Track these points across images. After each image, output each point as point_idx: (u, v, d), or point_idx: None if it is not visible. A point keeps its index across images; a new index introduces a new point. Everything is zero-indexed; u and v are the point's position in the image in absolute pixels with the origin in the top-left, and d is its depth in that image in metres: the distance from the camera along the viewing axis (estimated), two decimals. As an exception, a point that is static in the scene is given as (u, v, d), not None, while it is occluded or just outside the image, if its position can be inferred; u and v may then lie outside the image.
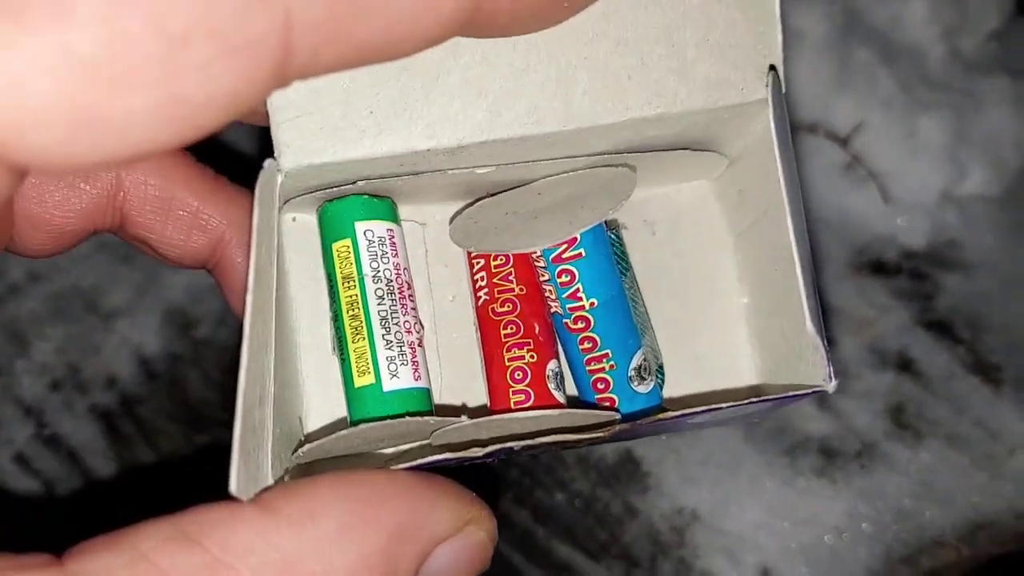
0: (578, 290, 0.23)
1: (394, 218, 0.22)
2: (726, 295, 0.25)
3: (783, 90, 0.21)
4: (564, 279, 0.23)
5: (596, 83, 0.20)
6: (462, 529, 0.15)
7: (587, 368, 0.23)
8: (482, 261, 0.23)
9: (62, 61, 0.10)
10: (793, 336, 0.22)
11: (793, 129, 0.49)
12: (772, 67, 0.21)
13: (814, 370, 0.21)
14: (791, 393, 0.22)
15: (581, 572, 0.41)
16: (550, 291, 0.23)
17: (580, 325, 0.23)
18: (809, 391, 0.21)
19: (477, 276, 0.23)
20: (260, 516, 0.13)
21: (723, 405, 0.21)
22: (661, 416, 0.22)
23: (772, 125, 0.21)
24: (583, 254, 0.23)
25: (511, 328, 0.22)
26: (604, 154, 0.21)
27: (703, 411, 0.21)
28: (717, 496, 0.42)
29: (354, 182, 0.21)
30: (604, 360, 0.23)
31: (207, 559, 0.12)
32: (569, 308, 0.23)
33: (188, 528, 0.13)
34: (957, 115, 0.50)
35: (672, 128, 0.21)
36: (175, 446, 0.46)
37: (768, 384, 0.24)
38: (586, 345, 0.23)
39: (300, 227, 0.22)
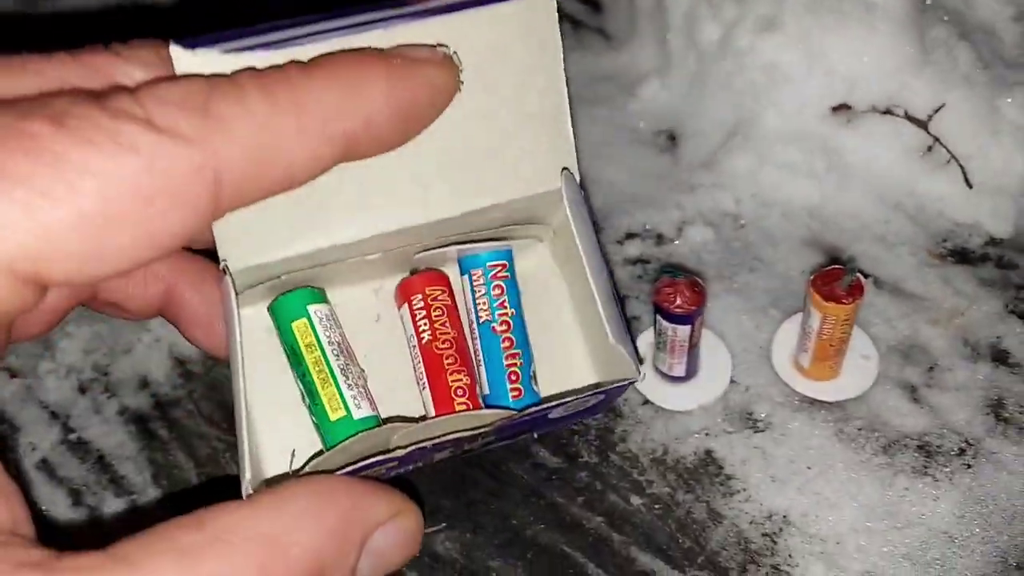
0: (505, 301, 0.31)
1: (327, 301, 0.30)
2: (566, 322, 0.34)
3: (577, 179, 0.30)
4: (496, 292, 0.31)
5: (446, 183, 0.27)
6: (394, 517, 0.19)
7: (506, 363, 0.31)
8: (424, 312, 0.31)
9: (77, 219, 0.15)
10: (610, 347, 0.30)
11: (870, 111, 0.46)
12: (565, 168, 0.29)
13: (628, 369, 0.30)
14: (616, 384, 0.30)
15: (665, 582, 0.37)
16: (483, 303, 0.31)
17: (504, 328, 0.31)
18: (626, 381, 0.30)
19: (420, 323, 0.31)
20: (246, 506, 0.17)
21: (571, 398, 0.30)
22: (541, 407, 0.30)
23: (567, 210, 0.29)
24: (508, 276, 0.32)
25: (451, 359, 0.31)
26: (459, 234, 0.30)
27: (559, 404, 0.29)
28: (809, 498, 0.38)
29: (279, 277, 0.28)
30: (518, 358, 0.31)
31: (209, 536, 0.16)
32: (498, 315, 0.31)
33: (199, 517, 0.17)
34: (1040, 95, 0.47)
35: (506, 211, 0.29)
36: (212, 450, 0.42)
37: (602, 381, 0.33)
38: (506, 344, 0.31)
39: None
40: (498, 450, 0.41)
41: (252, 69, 0.19)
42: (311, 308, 0.30)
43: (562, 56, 0.28)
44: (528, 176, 0.28)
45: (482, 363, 0.32)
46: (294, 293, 0.30)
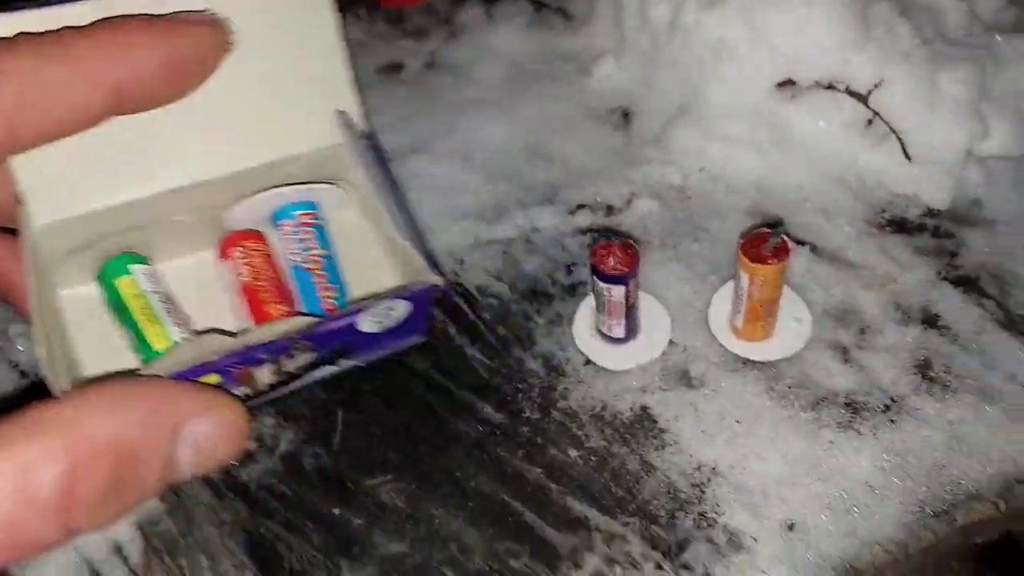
0: (315, 244, 0.33)
1: (151, 264, 0.32)
2: (376, 259, 0.34)
3: (362, 127, 0.31)
4: (305, 236, 0.33)
5: (240, 137, 0.29)
6: (210, 408, 0.20)
7: (320, 296, 0.32)
8: (244, 259, 0.32)
9: None
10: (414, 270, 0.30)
11: (813, 87, 0.48)
12: (342, 112, 0.31)
13: (427, 276, 0.29)
14: (417, 289, 0.30)
15: (597, 528, 0.38)
16: (295, 248, 0.33)
17: (315, 266, 0.32)
18: (426, 285, 0.29)
19: (242, 269, 0.32)
20: (57, 401, 0.18)
21: (373, 303, 0.29)
22: (347, 311, 0.29)
23: (348, 157, 0.31)
24: (318, 222, 0.33)
25: (269, 293, 0.32)
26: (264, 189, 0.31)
27: (361, 309, 0.29)
28: (737, 451, 0.40)
29: (95, 241, 0.30)
30: (332, 291, 0.32)
31: (20, 427, 0.17)
32: (310, 255, 0.32)
33: (13, 414, 0.18)
34: (981, 71, 0.48)
35: (304, 165, 0.31)
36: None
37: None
38: (319, 280, 0.32)
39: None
40: (444, 408, 0.43)
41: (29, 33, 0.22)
42: (134, 267, 0.31)
43: (334, 19, 0.30)
44: (317, 132, 0.31)
45: (300, 301, 0.33)
46: (118, 257, 0.31)
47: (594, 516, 0.39)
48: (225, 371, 0.29)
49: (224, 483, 0.41)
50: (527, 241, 0.49)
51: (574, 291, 0.46)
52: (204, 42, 0.25)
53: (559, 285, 0.47)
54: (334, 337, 0.31)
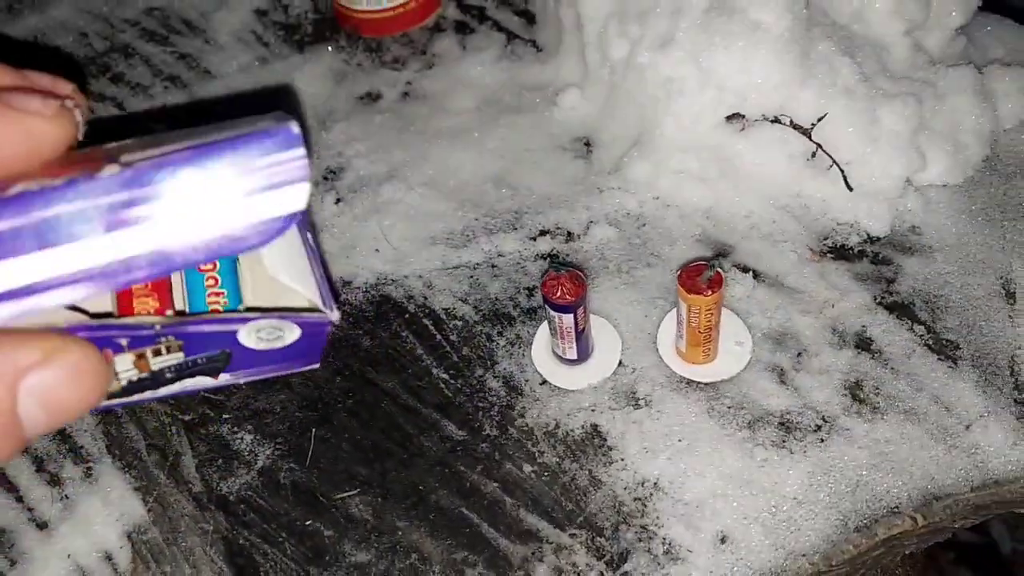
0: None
1: None
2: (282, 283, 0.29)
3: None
4: None
5: None
6: (50, 355, 0.18)
7: (208, 300, 0.29)
8: None
9: None
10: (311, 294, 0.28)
11: (760, 120, 0.51)
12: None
13: (325, 310, 0.28)
14: (304, 316, 0.28)
15: (547, 539, 0.42)
16: None
17: (210, 268, 0.29)
18: (321, 318, 0.27)
19: None
20: None
21: (255, 316, 0.27)
22: (224, 316, 0.28)
23: None
24: None
25: (143, 287, 0.28)
26: None
27: (242, 319, 0.27)
28: (678, 467, 0.43)
29: None
30: (222, 296, 0.29)
31: None
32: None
33: None
34: (919, 106, 0.51)
35: None
36: (160, 424, 0.47)
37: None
38: (210, 283, 0.29)
39: None
40: (410, 425, 0.46)
41: None
42: None
43: None
44: None
45: (186, 299, 0.29)
46: None
47: (544, 528, 0.42)
48: None
49: (206, 495, 0.45)
50: (492, 266, 0.52)
51: (534, 314, 0.49)
52: (35, 134, 0.21)
53: (520, 308, 0.50)
54: (209, 341, 0.28)
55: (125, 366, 0.26)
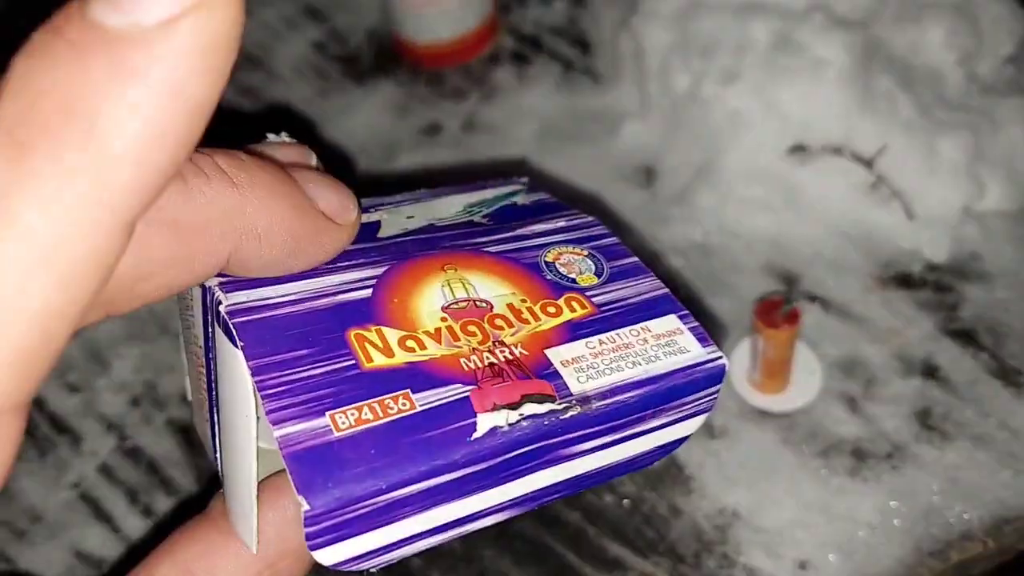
0: None
1: None
2: None
3: None
4: None
5: None
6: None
7: None
8: None
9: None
10: None
11: (822, 152, 0.52)
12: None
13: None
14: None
15: (631, 568, 0.43)
16: None
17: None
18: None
19: None
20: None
21: None
22: None
23: None
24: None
25: None
26: None
27: None
28: (756, 496, 0.45)
29: None
30: None
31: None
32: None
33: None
34: (975, 135, 0.52)
35: None
36: (248, 456, 0.49)
37: None
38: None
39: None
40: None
41: None
42: None
43: None
44: None
45: None
46: None
47: (628, 556, 0.44)
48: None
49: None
50: (561, 297, 0.53)
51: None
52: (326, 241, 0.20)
53: (591, 339, 0.51)
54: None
55: None
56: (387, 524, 0.18)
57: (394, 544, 0.19)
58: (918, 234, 0.53)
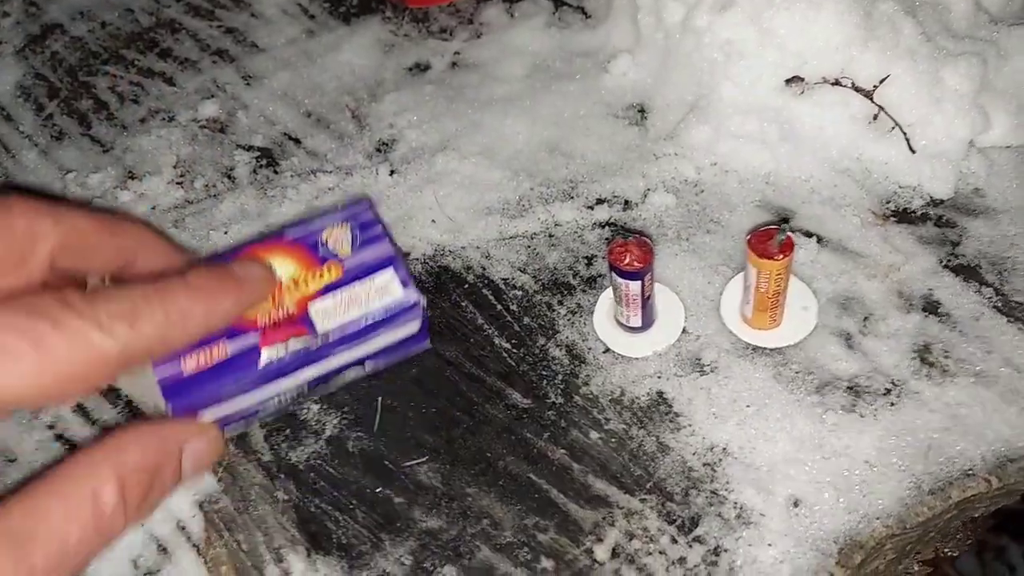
0: None
1: None
2: None
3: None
4: None
5: None
6: (201, 432, 0.28)
7: None
8: None
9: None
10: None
11: (820, 83, 0.50)
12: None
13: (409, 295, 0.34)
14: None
15: (616, 505, 0.42)
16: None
17: None
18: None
19: None
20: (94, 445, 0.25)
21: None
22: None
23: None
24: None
25: None
26: None
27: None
28: (747, 433, 0.43)
29: None
30: None
31: (75, 464, 0.24)
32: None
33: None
34: (982, 65, 0.50)
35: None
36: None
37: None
38: None
39: None
40: (475, 394, 0.46)
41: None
42: None
43: None
44: None
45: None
46: None
47: (614, 493, 0.42)
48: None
49: (276, 465, 0.45)
50: (549, 235, 0.52)
51: (594, 283, 0.49)
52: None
53: (580, 277, 0.50)
54: (349, 367, 0.35)
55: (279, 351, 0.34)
56: (213, 406, 0.31)
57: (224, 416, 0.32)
58: (920, 169, 0.51)
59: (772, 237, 0.41)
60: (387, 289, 0.34)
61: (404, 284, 0.34)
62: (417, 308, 0.34)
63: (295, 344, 0.32)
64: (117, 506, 0.24)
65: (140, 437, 0.25)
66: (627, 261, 0.42)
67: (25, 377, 0.22)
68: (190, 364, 0.31)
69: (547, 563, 0.41)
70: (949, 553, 0.53)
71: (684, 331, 0.47)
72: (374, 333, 0.34)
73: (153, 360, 0.29)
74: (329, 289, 0.33)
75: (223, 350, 0.32)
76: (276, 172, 0.57)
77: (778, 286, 0.43)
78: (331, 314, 0.33)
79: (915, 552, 0.47)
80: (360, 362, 0.35)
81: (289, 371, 0.33)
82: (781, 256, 0.41)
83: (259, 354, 0.32)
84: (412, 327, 0.35)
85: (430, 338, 0.35)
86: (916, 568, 0.50)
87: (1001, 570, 0.99)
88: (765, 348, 0.45)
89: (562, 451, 0.44)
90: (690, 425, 0.44)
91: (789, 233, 0.41)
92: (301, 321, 0.33)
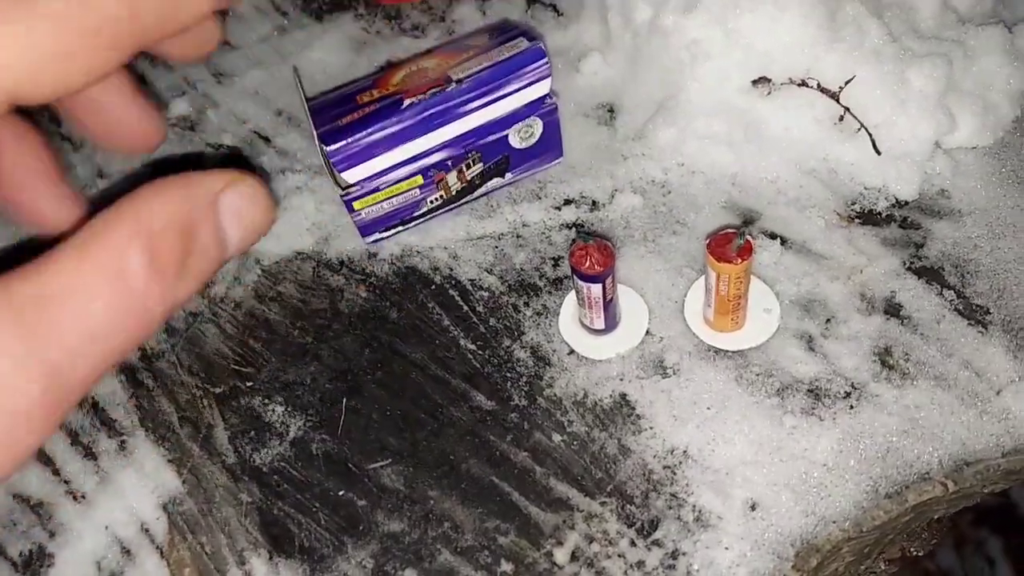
0: None
1: None
2: None
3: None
4: None
5: None
6: (230, 183, 0.22)
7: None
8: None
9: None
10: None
11: (787, 84, 0.50)
12: None
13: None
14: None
15: (577, 507, 0.42)
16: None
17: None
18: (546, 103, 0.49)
19: None
20: (111, 210, 0.20)
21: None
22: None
23: None
24: None
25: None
26: None
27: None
28: (706, 435, 0.43)
29: None
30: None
31: (90, 232, 0.19)
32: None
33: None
34: (947, 66, 0.50)
35: None
36: (191, 396, 0.48)
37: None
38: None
39: None
40: (439, 396, 0.46)
41: None
42: None
43: None
44: None
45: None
46: None
47: (575, 496, 0.43)
48: (427, 174, 0.46)
49: (240, 467, 0.45)
50: (517, 236, 0.52)
51: (560, 284, 0.49)
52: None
53: (546, 278, 0.50)
54: (494, 150, 0.46)
55: (452, 180, 0.46)
56: (371, 159, 0.44)
57: (381, 172, 0.45)
58: (885, 170, 0.51)
59: (731, 240, 0.42)
60: (516, 45, 0.45)
61: (530, 39, 0.44)
62: (542, 54, 0.43)
63: (433, 92, 0.43)
64: (148, 271, 0.19)
65: (162, 190, 0.21)
66: (588, 264, 0.42)
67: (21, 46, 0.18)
68: (346, 118, 0.42)
69: (507, 566, 0.41)
70: (915, 552, 0.53)
71: (648, 333, 0.47)
72: (503, 80, 0.44)
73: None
74: (464, 54, 0.44)
75: (373, 107, 0.43)
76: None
77: (738, 289, 0.43)
78: (466, 68, 0.44)
79: (879, 552, 0.48)
80: (503, 156, 0.46)
81: (430, 119, 0.43)
82: (740, 260, 0.41)
83: (403, 101, 0.43)
84: (541, 86, 0.45)
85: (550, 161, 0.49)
86: (883, 567, 0.50)
87: (980, 564, 1.00)
88: (727, 351, 0.46)
89: (525, 454, 0.44)
90: (651, 427, 0.44)
91: (749, 237, 0.41)
92: (443, 81, 0.44)
